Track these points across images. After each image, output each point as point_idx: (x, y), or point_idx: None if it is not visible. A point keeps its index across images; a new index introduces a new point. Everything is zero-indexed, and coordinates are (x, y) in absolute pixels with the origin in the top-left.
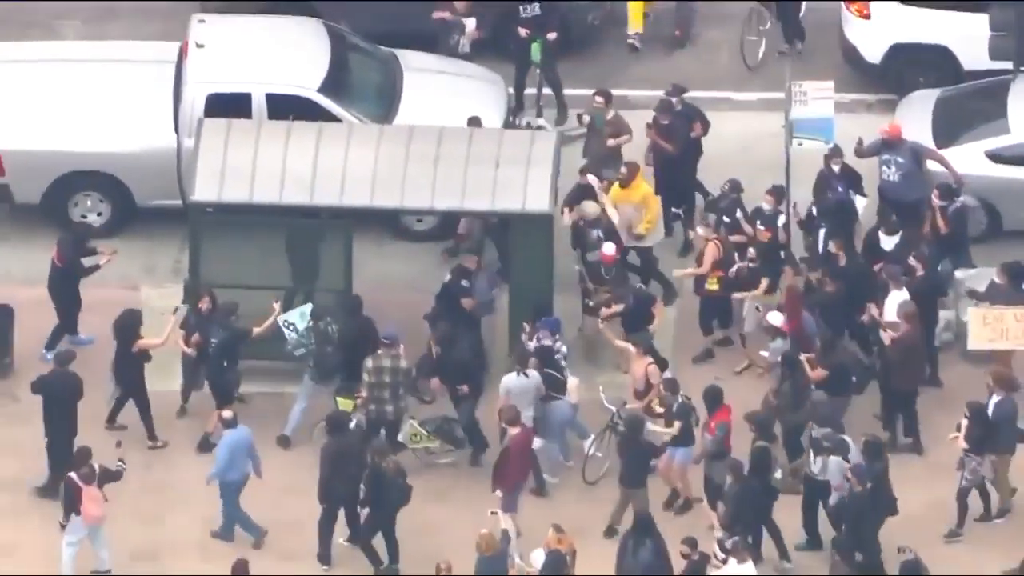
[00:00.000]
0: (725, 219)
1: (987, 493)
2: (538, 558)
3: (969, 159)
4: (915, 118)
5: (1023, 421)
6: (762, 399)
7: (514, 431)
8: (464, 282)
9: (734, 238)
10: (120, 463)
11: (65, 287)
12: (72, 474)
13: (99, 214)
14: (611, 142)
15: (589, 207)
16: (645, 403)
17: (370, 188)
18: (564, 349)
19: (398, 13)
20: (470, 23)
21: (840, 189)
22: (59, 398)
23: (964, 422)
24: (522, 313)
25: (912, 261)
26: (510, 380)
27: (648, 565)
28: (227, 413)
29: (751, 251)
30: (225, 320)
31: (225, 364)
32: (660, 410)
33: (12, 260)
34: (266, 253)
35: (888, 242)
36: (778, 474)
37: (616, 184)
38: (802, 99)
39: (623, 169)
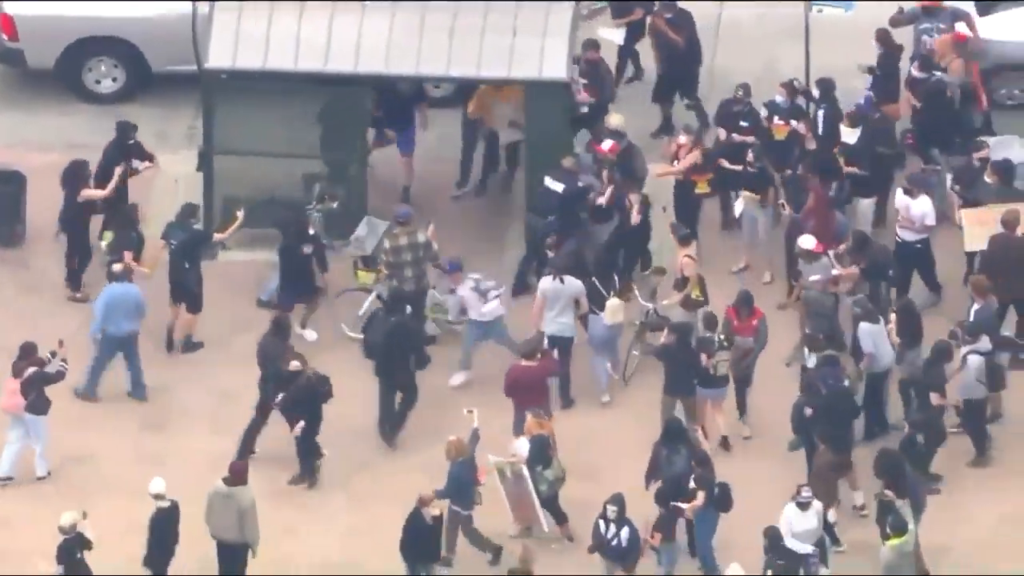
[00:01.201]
0: (743, 123)
1: None
2: (522, 446)
3: (1012, 25)
4: None
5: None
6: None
7: (525, 362)
8: (581, 183)
9: (744, 137)
10: (62, 364)
11: (104, 184)
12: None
13: (113, 79)
14: None
15: (614, 118)
16: (682, 296)
17: (385, 55)
18: None
19: None
20: None
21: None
22: None
23: (893, 317)
24: (538, 186)
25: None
26: (545, 282)
27: (682, 473)
28: (117, 266)
29: (750, 153)
30: (185, 222)
31: (187, 265)
32: (700, 299)
33: (25, 126)
34: (280, 120)
35: (850, 135)
36: (845, 383)
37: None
38: None
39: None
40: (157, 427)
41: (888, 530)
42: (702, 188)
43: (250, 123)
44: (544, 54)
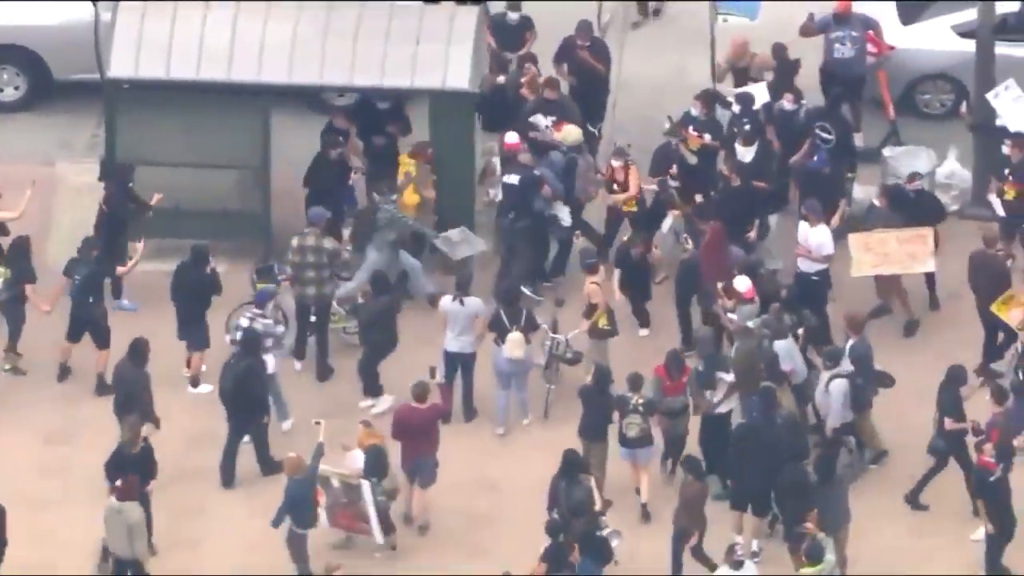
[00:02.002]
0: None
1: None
2: (357, 458)
3: (936, 35)
4: None
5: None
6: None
7: (415, 404)
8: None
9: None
10: None
11: (110, 232)
12: None
13: (15, 88)
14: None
15: (573, 133)
16: (589, 324)
17: (288, 64)
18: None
19: None
20: None
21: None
22: None
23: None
24: (445, 200)
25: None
26: (445, 302)
27: (581, 502)
28: None
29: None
30: (87, 256)
31: (91, 300)
32: (607, 328)
33: None
34: (183, 129)
35: (746, 153)
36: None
37: (421, 158)
38: None
39: (429, 150)
40: (62, 440)
41: (803, 557)
42: (630, 207)
43: (153, 132)
44: (448, 62)
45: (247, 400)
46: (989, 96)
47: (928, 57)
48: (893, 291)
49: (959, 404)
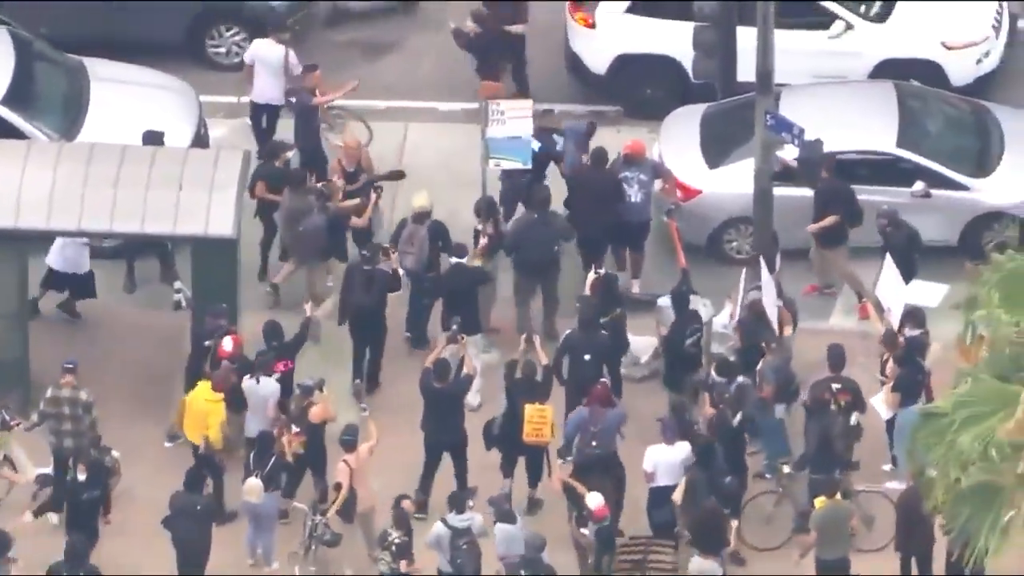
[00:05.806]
0: None
1: None
2: None
3: (740, 177)
4: (682, 136)
5: None
6: None
7: None
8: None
9: None
10: None
11: None
12: None
13: None
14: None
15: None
16: (335, 507)
17: (47, 210)
18: None
19: (102, 17)
20: None
21: None
22: None
23: None
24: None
25: None
26: (245, 382)
27: None
28: None
29: None
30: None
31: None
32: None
33: None
34: None
35: None
36: None
37: None
38: (499, 118)
39: None
40: None
41: None
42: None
43: None
44: (211, 208)
45: None
46: None
47: (734, 200)
48: None
49: None
